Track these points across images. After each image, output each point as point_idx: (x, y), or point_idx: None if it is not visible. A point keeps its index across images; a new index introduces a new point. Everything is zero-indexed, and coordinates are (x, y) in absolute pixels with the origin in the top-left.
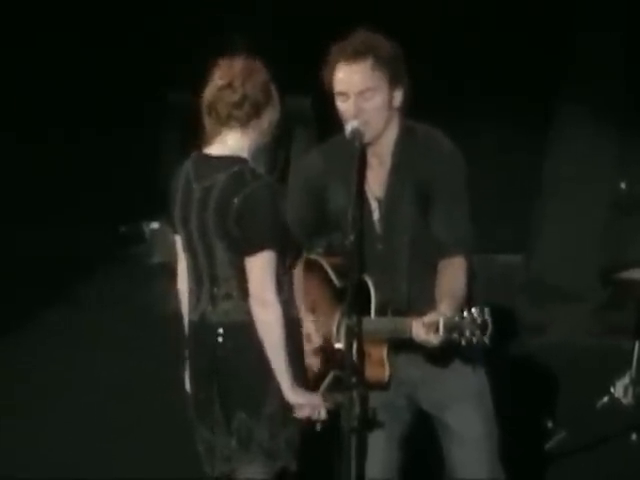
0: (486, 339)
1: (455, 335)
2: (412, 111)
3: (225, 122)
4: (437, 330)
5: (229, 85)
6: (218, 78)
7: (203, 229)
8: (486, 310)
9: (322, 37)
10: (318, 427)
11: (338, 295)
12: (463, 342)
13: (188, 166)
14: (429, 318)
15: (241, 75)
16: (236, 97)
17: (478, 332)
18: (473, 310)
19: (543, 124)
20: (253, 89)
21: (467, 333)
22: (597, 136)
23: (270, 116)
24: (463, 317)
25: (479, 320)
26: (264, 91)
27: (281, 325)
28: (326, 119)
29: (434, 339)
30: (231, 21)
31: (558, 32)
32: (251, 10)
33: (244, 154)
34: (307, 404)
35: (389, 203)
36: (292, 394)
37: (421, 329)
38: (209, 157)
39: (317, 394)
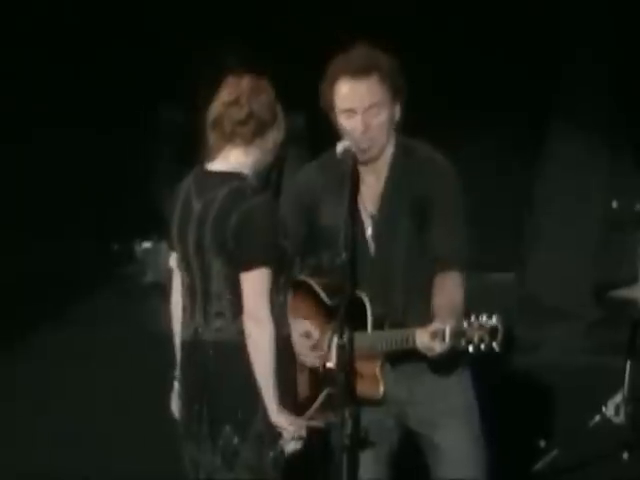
0: (496, 345)
1: (462, 342)
2: (410, 129)
3: (229, 138)
4: (443, 338)
5: (236, 102)
6: (225, 94)
7: (200, 244)
8: (495, 316)
9: (316, 54)
10: (296, 447)
11: (330, 313)
12: (471, 349)
13: (189, 181)
14: (435, 326)
15: (248, 92)
16: (242, 114)
17: (487, 338)
18: (481, 316)
19: (535, 143)
20: (259, 107)
21: (475, 339)
22: (589, 154)
23: (275, 136)
24: (470, 323)
25: (488, 325)
26: (270, 110)
27: (272, 343)
28: (319, 137)
29: (439, 347)
30: (224, 38)
31: (549, 50)
32: (245, 26)
33: (246, 171)
34: (291, 426)
35: (382, 219)
36: (277, 415)
37: (426, 337)
38: (210, 172)
39: (301, 418)
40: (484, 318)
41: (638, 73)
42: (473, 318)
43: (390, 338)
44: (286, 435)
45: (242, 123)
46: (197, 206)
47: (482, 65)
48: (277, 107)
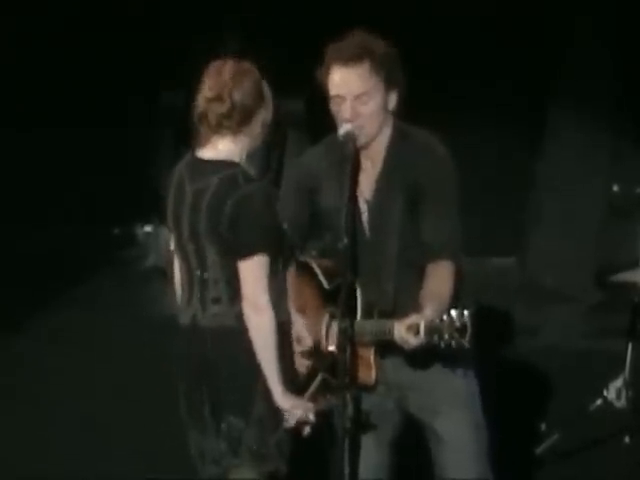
0: (465, 343)
1: (435, 338)
2: (408, 116)
3: (216, 130)
4: (417, 332)
5: (218, 97)
6: (207, 89)
7: (194, 231)
8: (466, 313)
9: (316, 39)
10: (306, 431)
11: (326, 297)
12: (442, 345)
13: (181, 168)
14: (410, 320)
15: (230, 84)
16: (225, 108)
17: (457, 335)
18: (452, 313)
19: (537, 127)
20: (243, 97)
21: (446, 336)
22: (590, 139)
23: (263, 118)
24: (442, 320)
25: (458, 323)
26: (254, 96)
27: (273, 329)
28: (319, 121)
29: (414, 341)
30: (225, 22)
31: (551, 32)
32: (244, 11)
33: (236, 158)
34: (297, 409)
35: (378, 205)
36: (282, 399)
37: (402, 331)
38: (202, 160)
39: (305, 398)
40: (456, 315)
41: None
42: (445, 316)
43: (374, 328)
44: (292, 419)
45: (226, 116)
46: (190, 194)
47: (483, 47)
48: (262, 88)
